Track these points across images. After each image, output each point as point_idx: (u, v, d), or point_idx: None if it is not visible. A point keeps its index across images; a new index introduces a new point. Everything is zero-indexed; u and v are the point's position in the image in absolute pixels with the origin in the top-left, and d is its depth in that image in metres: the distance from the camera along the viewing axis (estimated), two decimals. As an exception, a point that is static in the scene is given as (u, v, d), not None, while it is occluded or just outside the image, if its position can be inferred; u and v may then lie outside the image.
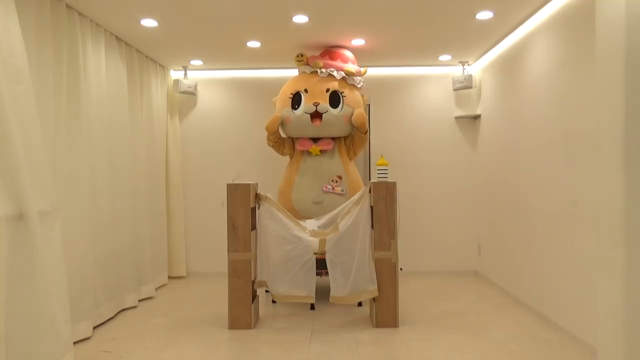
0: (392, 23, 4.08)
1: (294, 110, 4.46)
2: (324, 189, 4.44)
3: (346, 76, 4.51)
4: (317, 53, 4.68)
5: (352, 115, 4.46)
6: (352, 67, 4.56)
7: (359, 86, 4.62)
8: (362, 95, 4.68)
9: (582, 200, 3.22)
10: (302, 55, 4.55)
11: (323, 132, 4.47)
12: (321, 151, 4.52)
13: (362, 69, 4.68)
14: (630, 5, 1.91)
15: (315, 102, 4.36)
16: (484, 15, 3.88)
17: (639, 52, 1.92)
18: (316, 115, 4.39)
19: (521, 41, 4.21)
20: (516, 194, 4.38)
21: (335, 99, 4.44)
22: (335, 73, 4.48)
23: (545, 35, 3.76)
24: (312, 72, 4.54)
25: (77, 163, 3.56)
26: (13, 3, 2.68)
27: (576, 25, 3.30)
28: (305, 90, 4.45)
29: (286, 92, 4.58)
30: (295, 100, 4.48)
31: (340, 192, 4.43)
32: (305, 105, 4.40)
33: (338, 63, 4.54)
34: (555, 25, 3.60)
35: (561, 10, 3.50)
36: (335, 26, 4.15)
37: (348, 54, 4.67)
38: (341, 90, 4.47)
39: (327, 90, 4.43)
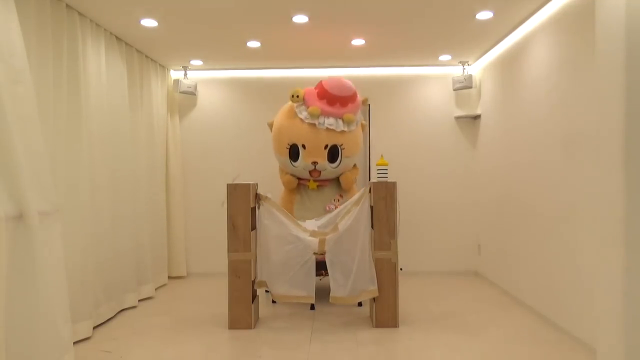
0: (392, 23, 4.08)
1: (292, 162, 4.45)
2: (327, 209, 4.46)
3: (346, 125, 4.34)
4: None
5: (349, 167, 4.53)
6: (351, 112, 4.33)
7: (359, 125, 4.52)
8: (362, 124, 4.65)
9: (582, 200, 3.22)
10: (297, 96, 4.34)
11: (321, 178, 4.53)
12: (319, 186, 4.56)
13: (363, 100, 4.51)
14: (630, 5, 1.91)
15: (314, 162, 4.35)
16: (484, 15, 3.88)
17: (639, 52, 1.92)
18: (315, 170, 4.42)
19: (521, 41, 4.21)
20: (516, 193, 4.38)
21: (333, 152, 4.39)
22: (334, 125, 4.28)
23: (545, 35, 3.76)
24: (309, 123, 4.30)
25: (77, 163, 3.56)
26: (13, 3, 2.69)
27: (576, 25, 3.30)
28: (303, 146, 4.36)
29: (283, 139, 4.44)
30: (293, 152, 4.42)
31: None
32: (304, 162, 4.39)
33: (337, 108, 4.31)
34: (555, 25, 3.60)
35: (561, 10, 3.50)
36: (335, 26, 4.15)
37: (347, 89, 4.29)
38: (340, 143, 4.37)
39: (326, 146, 4.35)
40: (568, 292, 3.42)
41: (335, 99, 4.31)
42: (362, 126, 4.67)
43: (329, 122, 4.30)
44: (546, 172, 3.76)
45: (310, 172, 4.45)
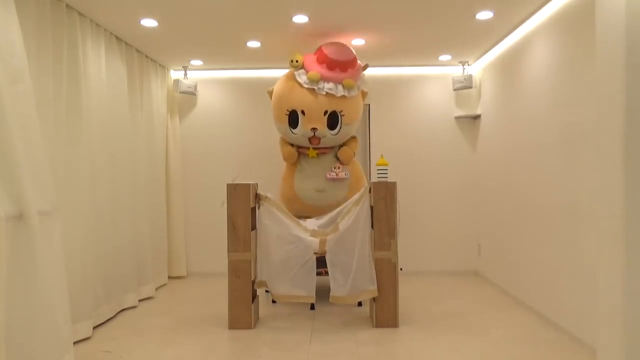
0: (392, 23, 4.08)
1: (292, 129, 4.38)
2: (328, 176, 4.40)
3: (346, 90, 4.27)
4: (312, 51, 4.53)
5: (349, 135, 4.48)
6: (351, 77, 4.29)
7: (359, 91, 4.45)
8: (363, 92, 4.56)
9: (582, 199, 3.22)
10: (297, 61, 4.29)
11: (321, 146, 4.47)
12: (318, 154, 4.51)
13: (363, 66, 4.46)
14: (630, 6, 1.91)
15: (313, 128, 4.27)
16: (484, 15, 3.88)
17: (639, 52, 1.92)
18: (314, 137, 4.35)
19: (521, 41, 4.21)
20: (516, 193, 4.38)
21: (333, 119, 4.31)
22: (334, 90, 4.22)
23: (545, 35, 3.76)
24: (308, 88, 4.24)
25: (77, 163, 3.56)
26: (13, 3, 2.68)
27: (576, 25, 3.30)
28: (303, 113, 4.28)
29: (282, 105, 4.37)
30: (292, 118, 4.35)
31: (345, 175, 4.41)
32: (303, 129, 4.31)
33: (337, 73, 4.24)
34: (555, 25, 3.60)
35: (561, 10, 3.50)
36: (335, 26, 4.15)
37: (347, 53, 4.26)
38: (339, 109, 4.29)
39: (325, 112, 4.28)
40: (568, 292, 3.42)
41: (335, 63, 4.23)
42: (363, 94, 4.58)
43: (329, 86, 4.21)
44: (546, 172, 3.76)
45: (309, 139, 4.35)
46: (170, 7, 3.67)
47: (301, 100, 4.28)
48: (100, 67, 3.99)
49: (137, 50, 4.77)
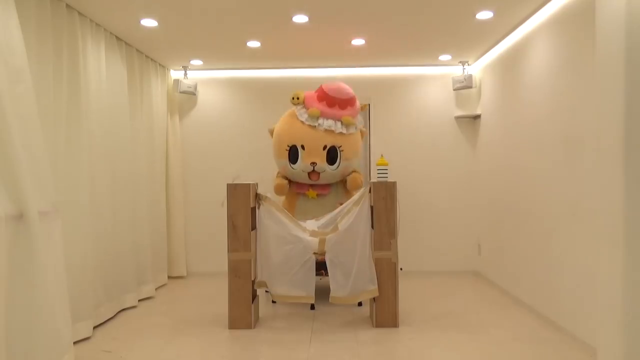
0: (392, 23, 4.08)
1: (291, 165, 4.47)
2: None
3: (344, 127, 4.39)
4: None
5: (348, 171, 4.54)
6: (350, 115, 4.39)
7: (358, 129, 4.54)
8: (362, 131, 4.67)
9: (582, 200, 3.22)
10: (297, 98, 4.44)
11: (320, 182, 4.53)
12: (318, 195, 4.56)
13: (362, 106, 4.58)
14: (630, 5, 1.91)
15: (313, 162, 4.37)
16: (484, 15, 3.88)
17: (639, 52, 1.92)
18: (314, 172, 4.43)
19: (521, 41, 4.21)
20: (516, 193, 4.38)
21: (332, 154, 4.41)
22: (333, 126, 4.35)
23: (545, 35, 3.76)
24: (309, 125, 4.38)
25: (77, 163, 3.56)
26: (13, 3, 2.69)
27: (576, 25, 3.30)
28: (302, 147, 4.40)
29: (283, 140, 4.49)
30: (292, 153, 4.45)
31: None
32: (303, 163, 4.41)
33: (336, 110, 4.38)
34: (555, 25, 3.60)
35: (561, 10, 3.50)
36: (335, 26, 4.15)
37: (346, 92, 4.39)
38: (339, 145, 4.40)
39: (324, 147, 4.38)
40: (568, 292, 3.42)
41: (334, 101, 4.39)
42: (362, 133, 4.70)
43: (328, 123, 4.37)
44: (546, 172, 3.76)
45: (309, 174, 4.46)
46: (170, 7, 3.67)
47: (301, 135, 4.41)
48: (100, 67, 3.99)
49: (137, 50, 4.77)
